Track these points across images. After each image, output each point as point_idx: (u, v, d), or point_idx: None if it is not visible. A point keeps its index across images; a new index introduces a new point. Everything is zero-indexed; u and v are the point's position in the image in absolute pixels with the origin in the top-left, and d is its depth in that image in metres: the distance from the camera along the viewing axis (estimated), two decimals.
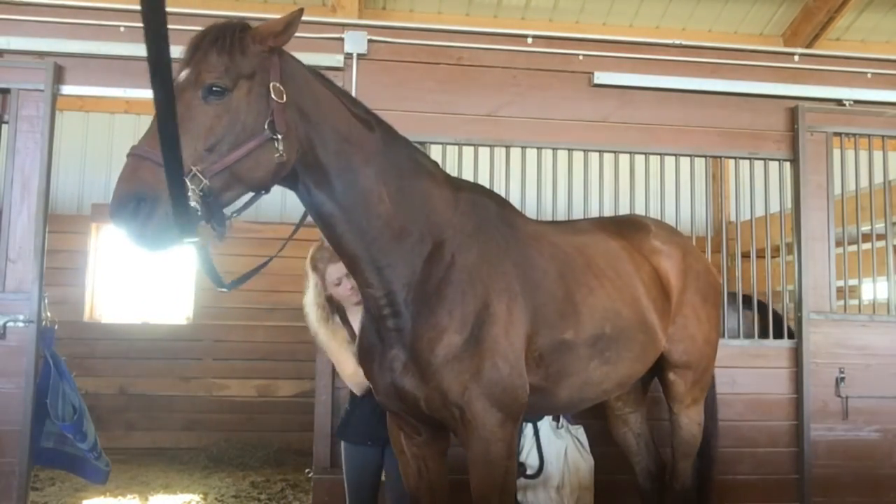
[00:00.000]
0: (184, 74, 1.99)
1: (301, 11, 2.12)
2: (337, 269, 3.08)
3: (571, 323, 2.60)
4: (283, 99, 2.07)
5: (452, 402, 2.31)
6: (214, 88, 1.98)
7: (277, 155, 2.05)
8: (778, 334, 4.26)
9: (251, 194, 2.14)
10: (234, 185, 2.02)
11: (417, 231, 2.36)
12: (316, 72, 2.32)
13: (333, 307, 3.23)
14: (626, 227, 3.15)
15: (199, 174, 1.89)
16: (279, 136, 2.04)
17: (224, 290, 2.27)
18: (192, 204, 1.86)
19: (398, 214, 2.32)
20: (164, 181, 1.80)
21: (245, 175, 2.02)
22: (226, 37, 2.05)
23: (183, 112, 1.88)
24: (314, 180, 2.23)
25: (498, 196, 2.75)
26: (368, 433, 3.16)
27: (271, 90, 2.05)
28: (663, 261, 3.07)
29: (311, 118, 2.18)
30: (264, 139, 2.02)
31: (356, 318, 3.01)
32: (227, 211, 2.08)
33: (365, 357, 2.55)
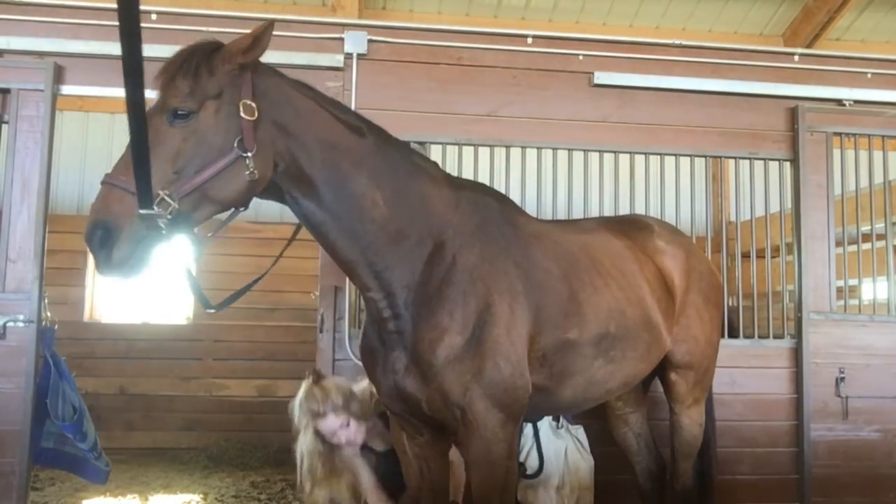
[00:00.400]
0: (154, 100, 2.02)
1: (271, 24, 2.11)
2: (331, 423, 3.02)
3: (575, 322, 2.59)
4: (254, 116, 2.06)
5: (454, 402, 2.31)
6: (179, 112, 2.00)
7: (248, 172, 2.05)
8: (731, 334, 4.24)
9: (230, 211, 2.16)
10: (205, 204, 2.04)
11: (416, 233, 2.36)
12: (298, 83, 2.30)
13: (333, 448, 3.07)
14: (630, 227, 3.15)
15: (166, 198, 1.93)
16: (249, 154, 2.04)
17: (212, 311, 2.30)
18: (160, 225, 1.91)
19: (394, 218, 2.31)
20: (131, 210, 1.87)
21: (215, 194, 2.04)
22: (192, 59, 2.05)
23: (152, 137, 1.90)
24: (301, 191, 2.22)
25: (500, 195, 2.74)
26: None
27: (241, 108, 2.05)
28: (667, 261, 3.07)
29: (291, 131, 2.17)
30: (233, 157, 2.03)
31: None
32: (205, 231, 2.14)
33: (367, 359, 2.55)
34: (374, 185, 2.29)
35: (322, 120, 2.26)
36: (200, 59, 2.05)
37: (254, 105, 2.07)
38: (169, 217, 1.92)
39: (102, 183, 1.97)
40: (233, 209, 2.16)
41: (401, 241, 2.33)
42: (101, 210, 1.93)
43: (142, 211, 1.87)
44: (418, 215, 2.37)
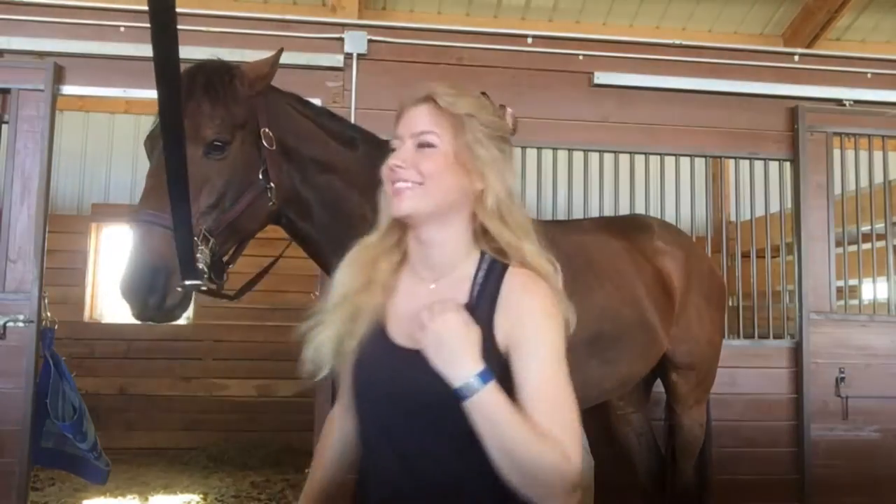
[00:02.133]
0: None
1: (281, 50, 2.09)
2: None
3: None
4: (273, 146, 2.02)
5: None
6: (216, 143, 1.92)
7: (271, 203, 2.02)
8: None
9: (235, 246, 2.12)
10: (232, 238, 2.00)
11: None
12: (294, 98, 2.26)
13: None
14: (630, 228, 3.15)
15: (206, 234, 1.85)
16: (272, 185, 2.00)
17: (228, 300, 2.25)
18: (201, 266, 1.82)
19: None
20: (174, 249, 1.75)
21: (243, 227, 2.00)
22: (216, 85, 1.97)
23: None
24: (296, 213, 2.20)
25: None
26: None
27: (262, 138, 1.99)
28: (667, 262, 3.07)
29: (293, 155, 2.14)
30: (260, 189, 1.98)
31: None
32: (227, 264, 2.07)
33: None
34: (366, 200, 2.28)
35: (318, 140, 2.23)
36: (224, 84, 1.98)
37: (272, 135, 2.03)
38: (209, 254, 1.85)
39: (137, 221, 1.83)
40: (240, 244, 2.12)
41: None
42: (146, 253, 1.80)
43: (187, 283, 1.77)
44: None
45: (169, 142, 1.56)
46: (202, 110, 1.93)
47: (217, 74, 2.02)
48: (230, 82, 2.01)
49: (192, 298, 1.90)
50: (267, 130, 2.02)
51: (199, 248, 1.81)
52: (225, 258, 2.04)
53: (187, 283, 1.79)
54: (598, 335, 2.68)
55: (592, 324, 2.67)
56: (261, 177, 1.99)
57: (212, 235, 1.87)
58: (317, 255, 2.30)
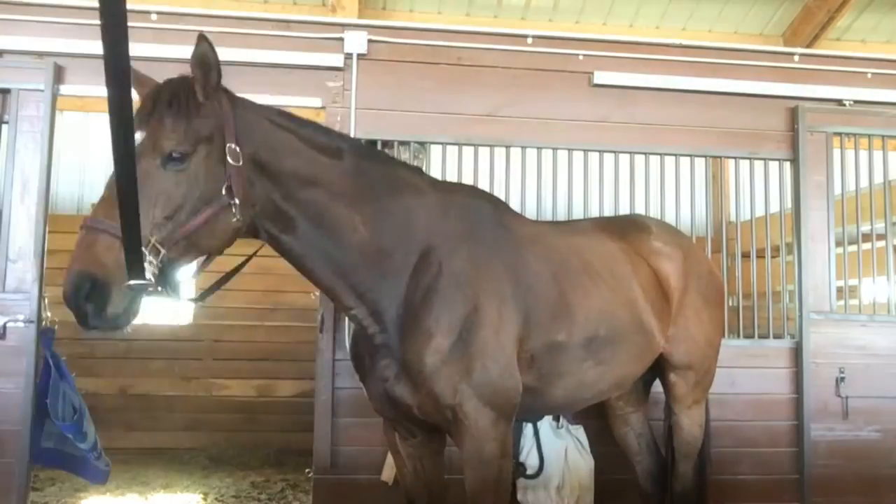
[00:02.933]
0: (140, 138, 1.89)
1: (201, 37, 1.96)
2: None
3: (565, 324, 2.60)
4: (239, 161, 2.00)
5: (445, 404, 2.32)
6: (174, 155, 1.91)
7: (235, 220, 2.00)
8: None
9: (203, 258, 2.10)
10: (190, 252, 1.97)
11: (401, 248, 2.35)
12: (275, 112, 2.24)
13: None
14: (627, 229, 3.15)
15: (157, 245, 1.84)
16: (236, 202, 1.98)
17: (195, 302, 2.28)
18: (148, 276, 1.78)
19: (375, 239, 2.30)
20: (120, 258, 1.72)
21: (202, 242, 1.98)
22: (179, 98, 1.96)
23: (141, 179, 1.75)
24: (278, 228, 2.18)
25: (494, 198, 2.74)
26: None
27: (227, 153, 1.98)
28: (664, 262, 3.07)
29: (269, 169, 2.12)
30: (222, 205, 1.97)
31: None
32: (182, 276, 2.04)
33: (357, 365, 2.56)
34: (354, 210, 2.27)
35: (300, 154, 2.20)
36: (187, 97, 1.97)
37: (238, 150, 2.01)
38: (159, 266, 1.83)
39: (85, 227, 1.82)
40: (207, 256, 2.10)
41: (383, 259, 2.32)
42: (86, 260, 1.78)
43: (132, 282, 1.74)
44: (402, 230, 2.36)
45: (118, 144, 1.55)
46: (163, 123, 1.93)
47: (181, 88, 2.00)
48: (193, 95, 1.99)
49: (139, 306, 1.85)
50: (233, 146, 2.00)
51: (148, 258, 1.79)
52: (181, 271, 2.01)
53: (133, 283, 1.76)
54: (593, 337, 2.69)
55: (588, 326, 2.67)
56: (224, 192, 1.97)
57: (163, 247, 1.85)
58: (303, 268, 2.28)
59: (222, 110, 2.03)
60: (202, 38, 1.96)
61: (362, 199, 2.30)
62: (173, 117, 1.93)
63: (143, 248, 1.77)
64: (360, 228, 2.28)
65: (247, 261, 2.44)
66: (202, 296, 2.33)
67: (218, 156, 1.99)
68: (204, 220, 1.94)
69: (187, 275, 2.09)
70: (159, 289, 1.86)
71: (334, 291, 2.33)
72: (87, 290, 1.78)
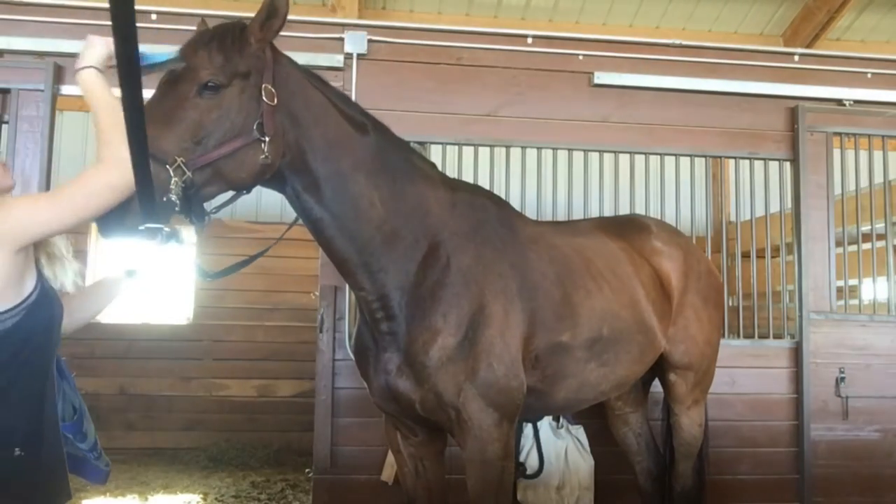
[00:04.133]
0: (180, 67, 2.01)
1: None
2: None
3: (569, 325, 2.60)
4: (273, 101, 2.07)
5: (448, 403, 2.31)
6: (210, 84, 1.99)
7: (263, 157, 2.05)
8: None
9: (231, 193, 2.15)
10: (216, 181, 2.02)
11: (411, 235, 2.36)
12: (311, 74, 2.32)
13: None
14: (628, 229, 3.15)
15: (182, 165, 1.89)
16: (266, 139, 2.04)
17: (209, 279, 2.29)
18: (172, 196, 1.86)
19: (390, 219, 2.32)
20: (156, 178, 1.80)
21: (228, 173, 2.03)
22: (225, 35, 2.06)
23: (175, 104, 1.93)
24: (302, 185, 2.22)
25: (497, 197, 2.74)
26: None
27: (263, 92, 2.05)
28: (664, 262, 3.07)
29: (302, 123, 2.18)
30: (251, 139, 2.02)
31: None
32: (207, 206, 2.09)
33: (360, 357, 2.55)
34: (373, 186, 2.30)
35: (329, 115, 2.27)
36: (233, 35, 2.06)
37: (274, 91, 2.08)
38: (182, 186, 1.89)
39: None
40: (234, 192, 2.16)
41: (396, 242, 2.33)
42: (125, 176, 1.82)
43: (146, 225, 1.82)
44: (414, 216, 2.37)
45: (123, 72, 1.62)
46: (204, 54, 2.02)
47: (231, 28, 2.11)
48: (240, 34, 2.08)
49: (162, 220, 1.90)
50: (269, 87, 2.08)
51: (173, 179, 1.87)
52: (206, 200, 2.07)
53: (147, 226, 1.84)
54: (596, 338, 2.68)
55: (591, 326, 2.67)
56: (255, 129, 2.04)
57: (188, 168, 1.91)
58: (322, 236, 2.30)
59: (265, 55, 2.11)
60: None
61: (381, 178, 2.33)
62: (216, 51, 2.02)
63: (168, 166, 1.86)
64: (377, 204, 2.30)
65: (269, 247, 2.44)
66: (223, 272, 2.34)
67: (253, 93, 2.06)
68: (231, 150, 2.00)
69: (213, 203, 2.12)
70: (179, 205, 1.89)
71: (348, 266, 2.34)
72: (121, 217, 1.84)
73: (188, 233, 2.13)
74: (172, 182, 1.86)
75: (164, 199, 1.86)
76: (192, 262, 2.36)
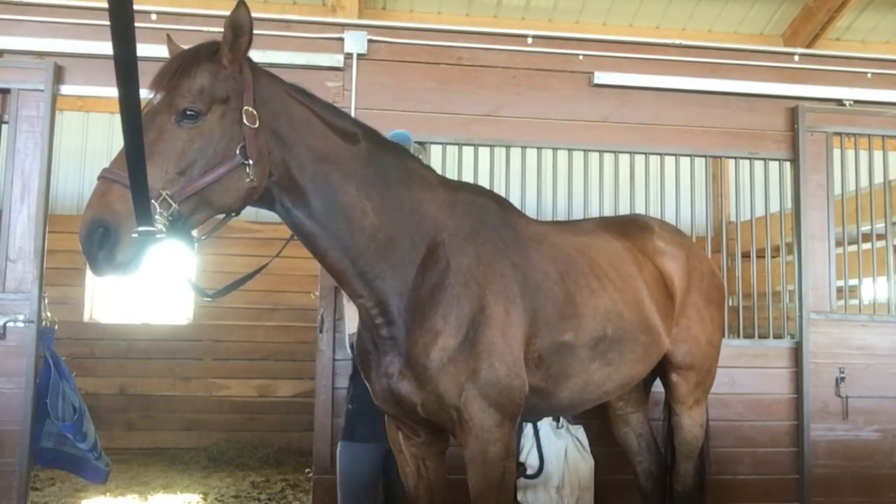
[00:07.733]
0: (157, 98, 1.98)
1: (240, 3, 2.02)
2: None
3: (572, 324, 2.59)
4: (255, 124, 2.05)
5: (449, 404, 2.31)
6: (188, 112, 1.96)
7: (248, 180, 2.04)
8: None
9: (221, 216, 2.14)
10: (203, 208, 2.01)
11: (408, 240, 2.35)
12: (295, 88, 2.29)
13: None
14: (630, 228, 3.14)
15: (168, 198, 1.89)
16: (250, 162, 2.02)
17: (209, 300, 2.27)
18: (158, 227, 1.85)
19: (384, 226, 2.30)
20: (131, 207, 1.79)
21: (215, 199, 2.02)
22: (198, 59, 2.03)
23: (155, 135, 1.90)
24: (292, 201, 2.21)
25: (499, 197, 2.74)
26: (381, 431, 3.06)
27: (244, 115, 2.03)
28: (667, 262, 3.07)
29: (286, 141, 2.16)
30: (235, 164, 2.01)
31: None
32: (197, 232, 2.08)
33: (362, 362, 2.55)
34: (364, 195, 2.28)
35: (315, 129, 2.24)
36: (207, 59, 2.04)
37: (255, 113, 2.06)
38: (169, 219, 1.89)
39: (100, 178, 1.90)
40: (225, 215, 2.15)
41: (392, 248, 2.32)
42: (101, 208, 1.86)
43: (140, 228, 1.81)
44: (409, 222, 2.36)
45: (122, 89, 1.63)
46: (180, 81, 1.99)
47: (204, 50, 2.07)
48: (212, 56, 2.06)
49: (145, 253, 1.91)
50: (250, 109, 2.05)
51: (158, 210, 1.86)
52: (195, 225, 2.06)
53: (141, 229, 1.83)
54: (600, 337, 2.68)
55: (595, 326, 2.66)
56: (238, 153, 2.02)
57: (174, 201, 1.91)
58: (315, 249, 2.30)
59: (242, 76, 2.09)
60: (241, 4, 2.02)
61: (373, 186, 2.32)
62: (191, 77, 2.00)
63: (154, 201, 1.85)
64: (370, 214, 2.29)
65: (266, 264, 2.45)
66: (222, 291, 2.34)
67: (234, 117, 2.04)
68: (216, 177, 1.99)
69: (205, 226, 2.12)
70: (166, 235, 1.90)
71: (344, 276, 2.33)
72: (99, 237, 1.84)
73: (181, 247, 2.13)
74: (158, 213, 1.86)
75: (148, 228, 1.84)
76: (189, 282, 2.34)
